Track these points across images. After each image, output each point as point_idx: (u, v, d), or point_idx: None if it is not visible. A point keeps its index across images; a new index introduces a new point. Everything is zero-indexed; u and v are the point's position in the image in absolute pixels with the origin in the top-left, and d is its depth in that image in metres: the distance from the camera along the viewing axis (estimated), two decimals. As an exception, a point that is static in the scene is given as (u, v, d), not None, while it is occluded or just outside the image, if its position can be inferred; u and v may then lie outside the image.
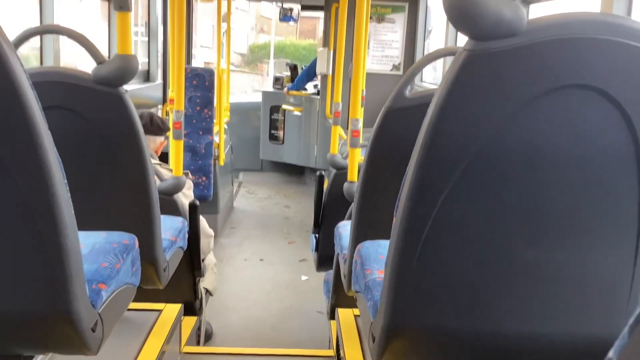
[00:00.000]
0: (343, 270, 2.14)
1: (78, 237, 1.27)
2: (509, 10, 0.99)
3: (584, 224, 1.16)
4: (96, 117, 1.85)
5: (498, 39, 1.01)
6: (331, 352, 2.79)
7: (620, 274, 1.19)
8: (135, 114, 1.88)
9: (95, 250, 1.55)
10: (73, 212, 1.25)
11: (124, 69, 1.84)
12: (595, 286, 1.22)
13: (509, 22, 0.99)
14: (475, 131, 1.07)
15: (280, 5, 7.66)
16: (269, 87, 8.02)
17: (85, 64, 4.16)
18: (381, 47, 6.02)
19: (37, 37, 3.26)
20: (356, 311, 2.56)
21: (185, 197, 2.73)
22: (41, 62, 3.45)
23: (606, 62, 1.03)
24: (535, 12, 3.35)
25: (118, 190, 1.93)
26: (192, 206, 2.55)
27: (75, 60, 4.34)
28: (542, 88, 1.04)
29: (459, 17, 1.00)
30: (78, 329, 1.29)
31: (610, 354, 0.47)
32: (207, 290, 3.25)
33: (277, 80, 7.81)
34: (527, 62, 1.03)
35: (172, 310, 2.52)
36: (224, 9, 5.45)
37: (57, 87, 1.82)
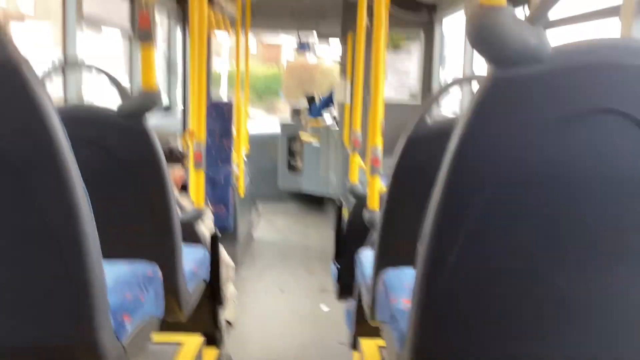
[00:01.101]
0: (366, 299, 2.12)
1: (103, 269, 1.28)
2: (533, 37, 0.99)
3: (614, 249, 1.14)
4: (120, 150, 1.88)
5: (522, 65, 1.01)
6: (354, 384, 2.74)
7: None
8: (158, 144, 1.90)
9: (119, 281, 1.56)
10: (99, 244, 1.25)
11: (148, 105, 1.88)
12: (626, 312, 1.19)
13: (533, 49, 0.99)
14: (500, 157, 1.06)
15: (297, 35, 7.76)
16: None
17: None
18: (398, 76, 6.05)
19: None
20: (379, 341, 2.53)
21: (206, 227, 2.74)
22: (65, 98, 3.52)
23: (631, 87, 1.03)
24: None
25: (142, 221, 1.94)
26: (213, 237, 2.56)
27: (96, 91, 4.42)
28: (567, 114, 1.03)
29: (483, 44, 1.01)
30: None
31: None
32: (227, 322, 3.23)
33: (295, 111, 7.89)
34: (552, 88, 1.02)
35: (193, 342, 2.50)
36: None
37: (83, 122, 1.86)
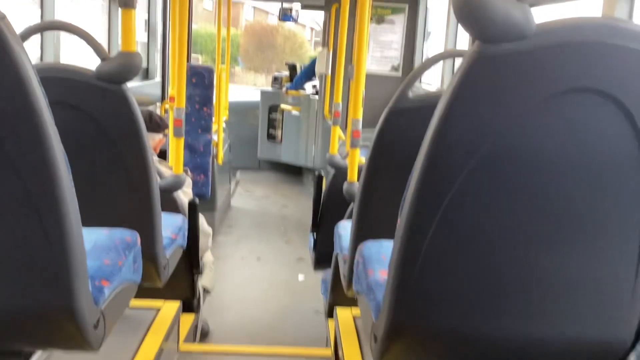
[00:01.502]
0: (343, 270, 2.14)
1: (82, 235, 1.28)
2: (518, 13, 0.99)
3: (589, 228, 1.17)
4: (99, 114, 1.85)
5: (507, 41, 1.01)
6: (328, 351, 2.79)
7: (624, 277, 1.20)
8: (138, 111, 1.88)
9: (97, 247, 1.55)
10: (78, 208, 1.25)
11: (127, 66, 1.84)
12: (600, 290, 1.22)
13: (518, 25, 1.00)
14: (482, 133, 1.07)
15: (280, 4, 7.66)
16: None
17: (80, 61, 4.15)
18: (380, 48, 6.02)
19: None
20: (354, 310, 2.57)
21: (185, 194, 2.73)
22: (41, 59, 3.45)
23: (614, 67, 1.04)
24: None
25: (120, 187, 1.93)
26: (191, 204, 2.55)
27: (74, 56, 4.34)
28: (550, 91, 1.05)
29: (468, 19, 1.01)
30: (80, 325, 1.29)
31: (632, 358, 0.47)
32: (204, 288, 3.25)
33: (275, 79, 7.82)
34: (535, 65, 1.03)
35: (170, 307, 2.52)
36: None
37: (60, 83, 1.82)
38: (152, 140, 3.27)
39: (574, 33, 1.02)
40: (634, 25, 1.04)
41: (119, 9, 1.99)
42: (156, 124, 3.27)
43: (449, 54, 2.15)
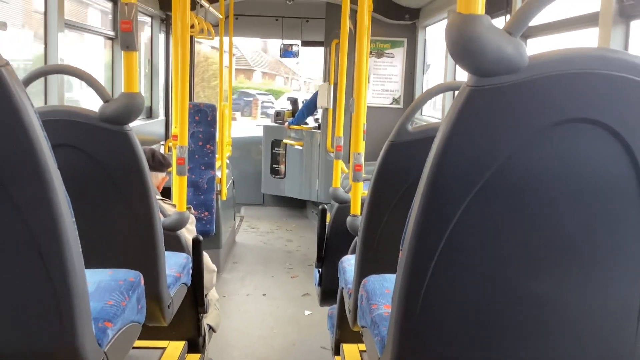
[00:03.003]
0: (348, 305, 2.13)
1: (85, 276, 1.28)
2: (511, 47, 1.01)
3: (590, 256, 1.16)
4: (102, 155, 1.86)
5: (500, 75, 1.02)
6: (336, 389, 2.75)
7: (627, 304, 1.19)
8: (141, 151, 1.90)
9: (101, 288, 1.55)
10: (80, 250, 1.25)
11: (130, 107, 1.86)
12: (603, 317, 1.21)
13: (510, 59, 1.01)
14: (479, 165, 1.08)
15: (282, 42, 7.77)
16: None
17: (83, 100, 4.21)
18: (381, 81, 6.09)
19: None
20: (361, 346, 2.54)
21: (189, 232, 2.73)
22: (45, 101, 3.49)
23: (607, 96, 1.05)
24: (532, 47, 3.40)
25: (124, 227, 1.93)
26: (195, 242, 2.55)
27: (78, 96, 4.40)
28: (545, 122, 1.05)
29: (461, 54, 1.02)
30: None
31: None
32: (210, 327, 3.22)
33: (277, 114, 7.88)
34: (529, 97, 1.04)
35: (175, 348, 2.49)
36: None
37: (63, 125, 1.84)
38: (155, 179, 3.28)
39: (565, 64, 1.04)
40: (625, 55, 1.06)
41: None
42: (159, 163, 3.29)
43: (446, 87, 2.17)
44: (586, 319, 1.21)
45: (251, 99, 26.56)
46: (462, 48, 1.01)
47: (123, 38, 1.95)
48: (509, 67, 1.02)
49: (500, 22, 3.72)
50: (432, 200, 1.12)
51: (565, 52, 1.05)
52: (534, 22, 3.23)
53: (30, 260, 1.19)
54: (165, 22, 5.92)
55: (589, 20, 2.66)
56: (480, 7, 1.01)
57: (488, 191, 1.09)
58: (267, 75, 34.80)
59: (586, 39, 2.83)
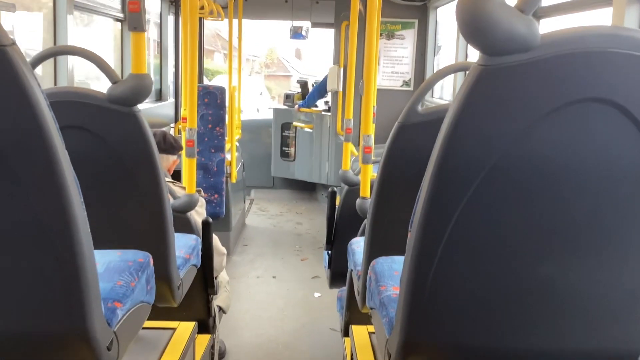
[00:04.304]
0: (357, 286, 2.13)
1: (94, 256, 1.28)
2: (522, 25, 0.99)
3: (600, 239, 1.15)
4: (111, 136, 1.86)
5: (511, 54, 1.01)
6: (345, 370, 2.76)
7: (637, 288, 1.18)
8: (150, 132, 1.89)
9: (110, 268, 1.56)
10: (89, 231, 1.25)
11: (138, 88, 1.86)
12: (612, 302, 1.20)
13: (522, 37, 0.99)
14: (489, 146, 1.06)
15: (291, 23, 7.72)
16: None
17: (95, 83, 4.21)
18: (391, 64, 6.04)
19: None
20: (370, 328, 2.55)
21: (198, 214, 2.74)
22: (55, 82, 3.50)
23: (620, 75, 1.03)
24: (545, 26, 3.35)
25: (132, 208, 1.94)
26: (205, 224, 2.56)
27: (87, 79, 4.40)
28: (556, 102, 1.04)
29: (472, 32, 1.01)
30: (94, 347, 1.30)
31: None
32: (220, 308, 3.24)
33: (287, 97, 7.86)
34: (541, 76, 1.02)
35: (185, 328, 2.51)
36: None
37: (72, 106, 1.84)
38: (167, 162, 3.29)
39: (578, 43, 1.02)
40: (638, 33, 1.04)
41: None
42: (170, 145, 3.29)
43: (457, 68, 2.15)
44: (595, 304, 1.20)
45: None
46: (473, 26, 1.00)
47: (131, 19, 1.94)
48: (521, 45, 1.00)
49: (512, 1, 3.67)
50: (441, 183, 1.11)
51: (577, 30, 1.03)
52: (547, 2, 3.19)
53: (39, 241, 1.20)
54: (175, 4, 5.89)
55: (602, 0, 2.62)
56: None
57: (497, 173, 1.08)
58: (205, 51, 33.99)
59: (600, 19, 2.79)
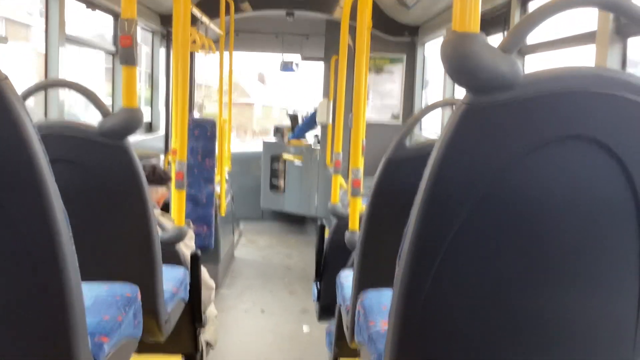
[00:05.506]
0: (346, 321, 2.12)
1: (82, 290, 1.27)
2: (505, 65, 1.02)
3: (585, 271, 1.16)
4: (100, 169, 1.87)
5: (495, 92, 1.03)
6: (334, 406, 2.73)
7: (623, 319, 1.19)
8: (139, 165, 1.90)
9: (98, 302, 1.55)
10: (77, 264, 1.25)
11: (129, 122, 1.87)
12: (599, 332, 1.21)
13: (505, 76, 1.02)
14: (475, 181, 1.08)
15: (282, 57, 7.83)
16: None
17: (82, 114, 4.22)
18: (380, 97, 6.11)
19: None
20: None
21: (187, 247, 2.73)
22: (45, 114, 3.51)
23: (602, 114, 1.06)
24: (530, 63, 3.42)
25: (121, 241, 1.93)
26: (193, 257, 2.55)
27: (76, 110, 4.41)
28: (539, 139, 1.06)
29: (456, 71, 1.03)
30: None
31: None
32: (207, 343, 3.21)
33: (277, 129, 7.91)
34: (523, 114, 1.05)
35: None
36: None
37: (62, 140, 1.84)
38: (156, 194, 3.29)
39: (560, 82, 1.04)
40: (619, 74, 1.07)
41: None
42: (159, 177, 3.30)
43: (444, 103, 2.18)
44: (583, 333, 1.20)
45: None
46: (457, 65, 1.02)
47: (122, 53, 1.97)
48: (503, 84, 1.02)
49: (497, 39, 3.75)
50: (429, 216, 1.12)
51: (559, 70, 1.06)
52: (532, 40, 3.26)
53: (26, 274, 1.19)
54: (166, 38, 5.95)
55: (586, 38, 2.68)
56: (475, 25, 1.02)
57: (484, 207, 1.09)
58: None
59: (584, 57, 2.85)
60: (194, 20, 4.87)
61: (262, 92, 25.78)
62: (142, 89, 5.80)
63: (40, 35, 3.47)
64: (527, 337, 1.20)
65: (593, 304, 1.18)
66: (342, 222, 2.97)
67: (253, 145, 10.15)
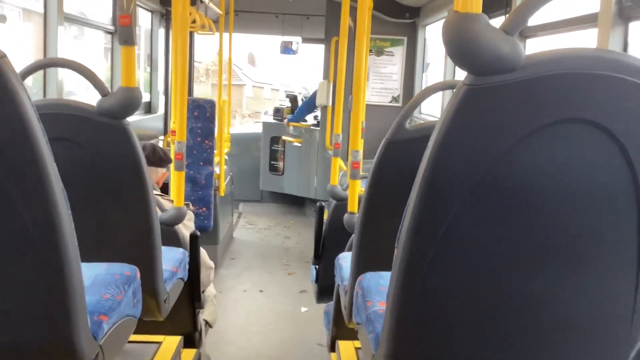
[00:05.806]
0: (344, 302, 2.13)
1: (81, 269, 1.28)
2: (507, 46, 1.01)
3: (584, 256, 1.17)
4: (99, 149, 1.87)
5: (496, 74, 1.03)
6: (331, 385, 2.76)
7: (621, 305, 1.20)
8: (138, 145, 1.90)
9: (97, 281, 1.56)
10: (77, 243, 1.25)
11: (128, 101, 1.86)
12: (597, 318, 1.22)
13: (506, 58, 1.01)
14: (474, 164, 1.08)
15: (282, 39, 7.78)
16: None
17: (84, 95, 4.21)
18: (380, 80, 6.09)
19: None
20: (357, 343, 2.54)
21: (186, 228, 2.73)
22: (44, 94, 3.49)
23: (603, 97, 1.05)
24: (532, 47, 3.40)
25: (120, 221, 1.94)
26: (192, 237, 2.55)
27: (77, 91, 4.40)
28: (541, 122, 1.06)
29: (458, 53, 1.03)
30: None
31: None
32: (206, 322, 3.23)
33: (277, 111, 7.89)
34: (525, 96, 1.04)
35: (171, 342, 2.50)
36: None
37: (61, 119, 1.84)
38: (156, 175, 3.29)
39: (561, 64, 1.04)
40: (621, 56, 1.06)
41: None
42: (159, 158, 3.29)
43: (444, 86, 2.17)
44: (581, 319, 1.21)
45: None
46: (459, 47, 1.02)
47: (121, 32, 1.95)
48: (505, 66, 1.02)
49: (499, 21, 3.72)
50: (428, 199, 1.12)
51: (561, 52, 1.06)
52: (533, 22, 3.24)
53: (26, 253, 1.19)
54: (165, 17, 5.91)
55: (588, 20, 2.66)
56: (477, 6, 1.02)
57: (483, 190, 1.09)
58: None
59: (586, 39, 2.83)
60: None
61: (252, 73, 25.49)
62: (140, 70, 5.77)
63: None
64: (526, 320, 1.20)
65: (591, 288, 1.19)
66: (341, 204, 2.97)
67: (243, 129, 10.10)
